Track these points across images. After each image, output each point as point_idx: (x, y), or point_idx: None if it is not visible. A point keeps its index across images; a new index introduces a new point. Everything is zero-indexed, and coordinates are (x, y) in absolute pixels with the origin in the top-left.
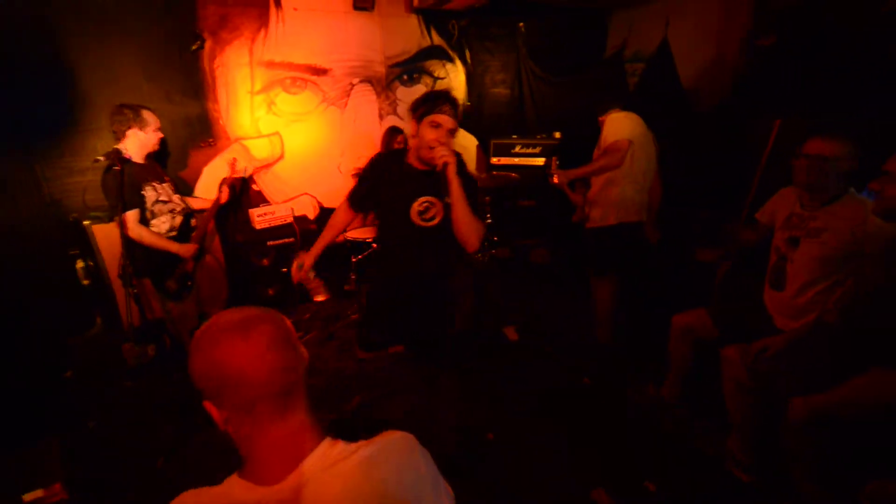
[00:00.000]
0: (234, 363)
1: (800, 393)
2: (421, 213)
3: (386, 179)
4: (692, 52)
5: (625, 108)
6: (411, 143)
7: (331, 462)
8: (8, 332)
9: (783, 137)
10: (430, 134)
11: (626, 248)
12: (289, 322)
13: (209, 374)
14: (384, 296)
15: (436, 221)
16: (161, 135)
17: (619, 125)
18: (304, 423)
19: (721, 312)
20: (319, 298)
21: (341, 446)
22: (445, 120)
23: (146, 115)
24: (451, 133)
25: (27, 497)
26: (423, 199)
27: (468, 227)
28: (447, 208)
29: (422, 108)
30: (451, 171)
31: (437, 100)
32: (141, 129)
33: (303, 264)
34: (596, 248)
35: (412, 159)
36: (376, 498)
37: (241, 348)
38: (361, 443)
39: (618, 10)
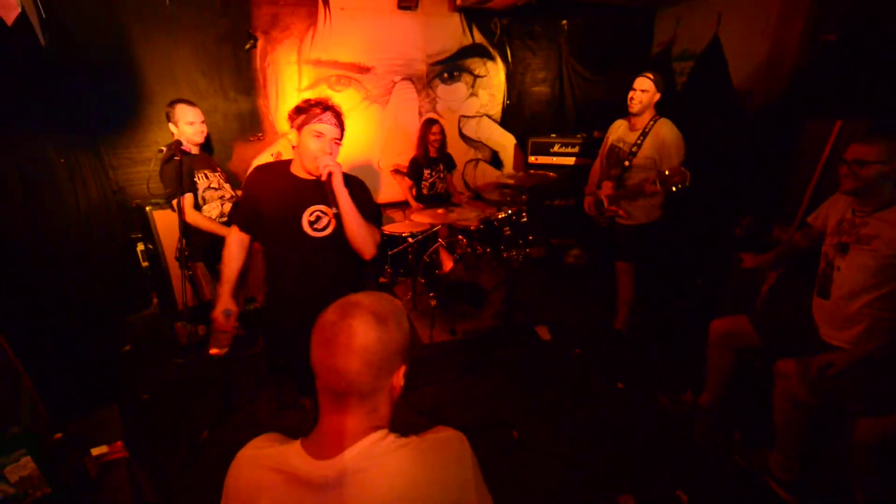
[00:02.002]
0: (315, 336)
1: (868, 414)
2: (312, 223)
3: (269, 192)
4: (745, 50)
5: (663, 111)
6: (295, 152)
7: (380, 452)
8: (76, 308)
9: (844, 139)
10: (312, 144)
11: (662, 238)
12: (391, 335)
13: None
14: (283, 320)
15: (329, 231)
16: (201, 129)
17: (682, 146)
18: (359, 421)
19: (765, 320)
20: (216, 351)
21: (392, 438)
22: (328, 130)
23: (178, 109)
24: (337, 143)
25: (94, 451)
26: (313, 208)
27: (360, 237)
28: (339, 217)
29: (301, 118)
30: (336, 182)
31: (315, 108)
32: (174, 123)
33: (230, 311)
34: (637, 241)
35: (297, 169)
36: (422, 492)
37: (322, 330)
38: (413, 437)
39: (665, 7)
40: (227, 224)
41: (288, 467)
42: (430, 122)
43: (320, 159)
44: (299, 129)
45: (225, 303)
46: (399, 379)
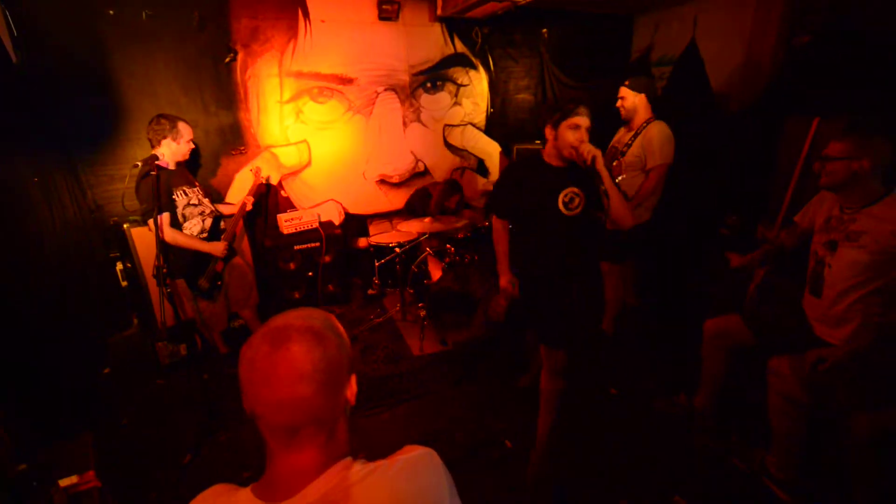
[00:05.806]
0: (249, 375)
1: (863, 408)
2: (566, 203)
3: (528, 180)
4: (722, 53)
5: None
6: (550, 145)
7: (348, 484)
8: (53, 330)
9: (822, 137)
10: (570, 136)
11: (648, 240)
12: (334, 347)
13: (239, 369)
14: (536, 293)
15: (578, 210)
16: (192, 146)
17: (671, 146)
18: (318, 454)
19: (758, 318)
20: (495, 317)
21: (357, 467)
22: (583, 121)
23: (181, 126)
24: (588, 131)
25: (63, 482)
26: (567, 190)
27: (624, 207)
28: (586, 198)
29: (557, 115)
30: (600, 163)
31: (569, 104)
32: (174, 139)
33: (514, 280)
34: (620, 243)
35: (550, 158)
36: None
37: (261, 363)
38: (380, 462)
39: (643, 13)
40: (486, 210)
41: None
42: (454, 190)
43: (582, 147)
44: (556, 124)
45: (507, 273)
46: (352, 389)
